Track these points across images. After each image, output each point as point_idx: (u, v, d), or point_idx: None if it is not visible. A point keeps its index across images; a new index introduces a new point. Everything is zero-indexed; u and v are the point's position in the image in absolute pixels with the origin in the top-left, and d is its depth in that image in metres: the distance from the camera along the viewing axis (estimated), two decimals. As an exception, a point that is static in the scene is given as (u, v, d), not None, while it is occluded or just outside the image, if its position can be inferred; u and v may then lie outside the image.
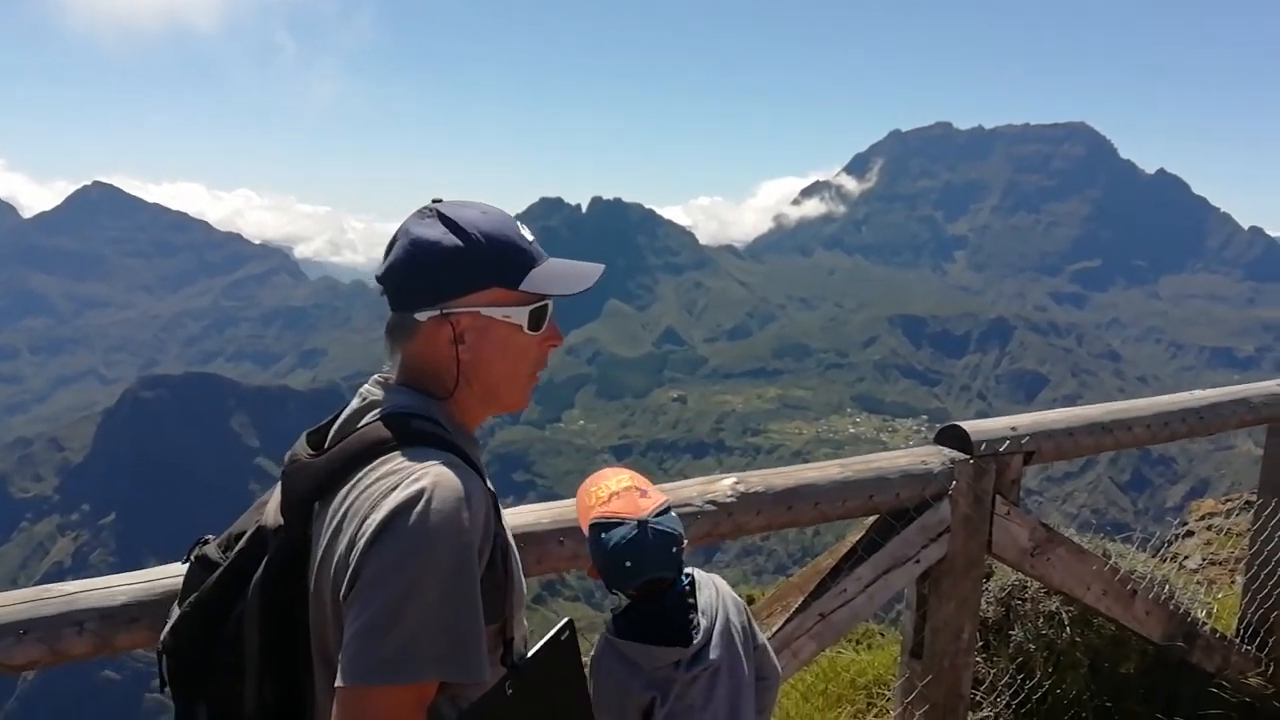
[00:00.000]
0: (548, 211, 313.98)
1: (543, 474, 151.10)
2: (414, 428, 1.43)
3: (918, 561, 3.03)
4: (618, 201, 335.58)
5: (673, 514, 1.90)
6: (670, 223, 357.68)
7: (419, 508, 1.30)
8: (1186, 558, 5.57)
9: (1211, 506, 7.00)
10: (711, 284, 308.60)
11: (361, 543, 1.30)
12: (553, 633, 1.42)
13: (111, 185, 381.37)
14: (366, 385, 1.55)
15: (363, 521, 1.32)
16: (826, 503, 2.82)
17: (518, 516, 2.28)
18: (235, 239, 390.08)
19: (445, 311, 1.48)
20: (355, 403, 1.53)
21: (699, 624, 1.89)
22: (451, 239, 1.47)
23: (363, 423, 1.47)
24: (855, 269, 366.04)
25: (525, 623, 1.59)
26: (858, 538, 3.04)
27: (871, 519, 3.05)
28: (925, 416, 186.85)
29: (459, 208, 1.51)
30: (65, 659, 1.80)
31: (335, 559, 1.35)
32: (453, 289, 1.48)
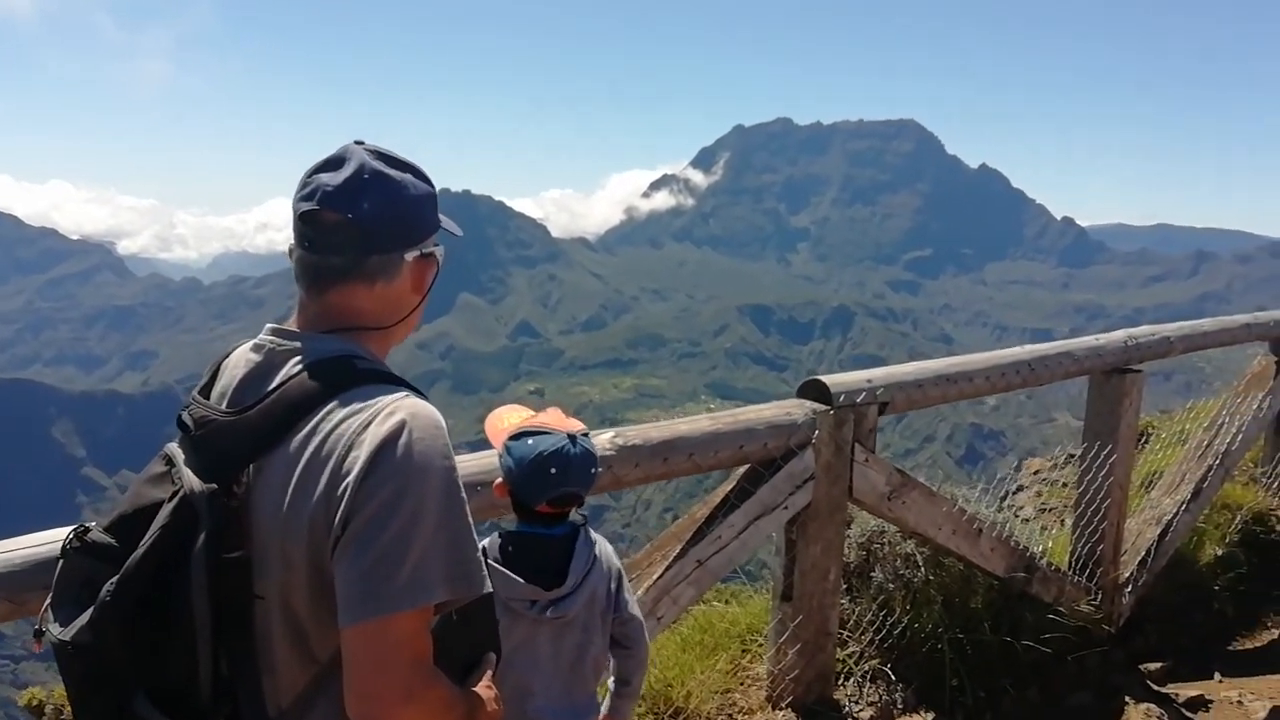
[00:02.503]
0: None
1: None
2: (361, 368, 1.41)
3: (786, 508, 3.17)
4: (467, 194, 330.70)
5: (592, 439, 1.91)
6: (522, 215, 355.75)
7: (404, 439, 1.30)
8: (1021, 508, 6.00)
9: (1040, 464, 7.58)
10: (565, 276, 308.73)
11: (350, 481, 1.28)
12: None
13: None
14: (265, 337, 1.48)
15: (342, 462, 1.30)
16: (700, 454, 2.92)
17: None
18: (50, 234, 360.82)
19: (424, 251, 1.53)
20: (252, 356, 1.47)
21: (572, 574, 1.85)
22: (421, 182, 1.52)
23: (286, 372, 1.41)
24: (705, 260, 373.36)
25: None
26: (730, 487, 3.16)
27: (742, 469, 3.18)
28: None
29: (391, 151, 1.53)
30: None
31: (309, 508, 1.31)
32: (430, 228, 1.54)
